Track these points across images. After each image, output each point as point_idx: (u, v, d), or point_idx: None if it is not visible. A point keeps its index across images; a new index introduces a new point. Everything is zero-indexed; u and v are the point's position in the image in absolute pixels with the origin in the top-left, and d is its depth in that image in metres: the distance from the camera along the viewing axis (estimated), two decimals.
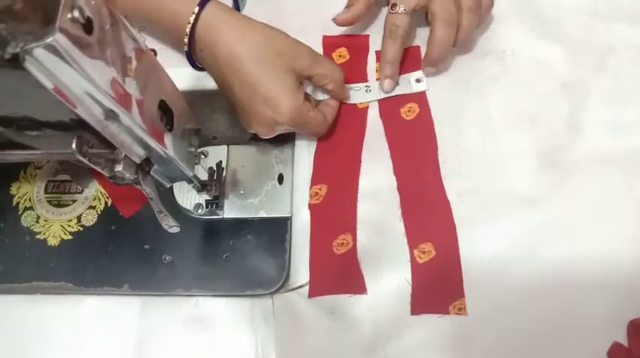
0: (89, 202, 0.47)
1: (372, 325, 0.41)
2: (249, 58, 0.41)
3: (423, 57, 0.49)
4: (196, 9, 0.41)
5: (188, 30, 0.41)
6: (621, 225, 0.43)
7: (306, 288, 0.43)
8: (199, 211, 0.46)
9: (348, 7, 0.48)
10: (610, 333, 0.40)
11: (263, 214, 0.46)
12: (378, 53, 0.51)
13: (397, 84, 0.48)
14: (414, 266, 0.43)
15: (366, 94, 0.49)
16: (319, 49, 0.51)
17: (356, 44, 0.45)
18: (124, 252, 0.46)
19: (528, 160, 0.46)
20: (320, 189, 0.46)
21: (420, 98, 0.48)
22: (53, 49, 0.24)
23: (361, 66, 0.50)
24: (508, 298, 0.41)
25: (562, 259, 0.42)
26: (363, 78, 0.50)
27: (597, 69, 0.48)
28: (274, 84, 0.41)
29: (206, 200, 0.46)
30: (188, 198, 0.46)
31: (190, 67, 0.45)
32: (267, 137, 0.45)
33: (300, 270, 0.44)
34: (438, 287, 0.42)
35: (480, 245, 0.43)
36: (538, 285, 0.41)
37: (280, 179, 0.47)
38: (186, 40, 0.42)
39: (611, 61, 0.49)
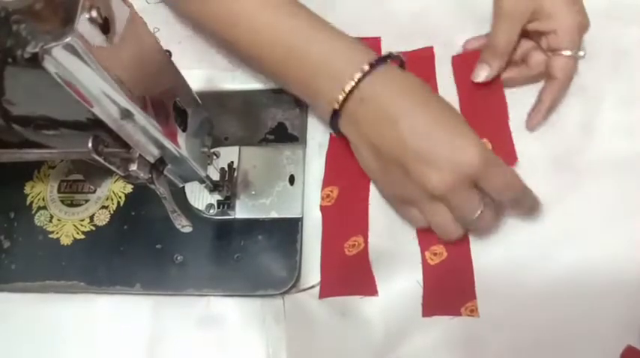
0: (102, 202, 0.48)
1: (383, 326, 0.41)
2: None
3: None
4: (366, 67, 0.38)
5: (350, 86, 0.38)
6: (635, 228, 0.43)
7: (317, 289, 0.43)
8: (211, 211, 0.46)
9: (485, 62, 0.45)
10: (623, 337, 0.39)
11: (274, 215, 0.46)
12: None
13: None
14: (426, 268, 0.43)
15: None
16: None
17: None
18: (136, 251, 0.46)
19: (541, 163, 0.45)
20: (331, 191, 0.46)
21: None
22: (71, 49, 0.24)
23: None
24: (520, 300, 0.41)
25: (574, 262, 0.42)
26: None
27: (612, 72, 0.48)
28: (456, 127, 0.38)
29: (218, 200, 0.46)
30: (200, 198, 0.46)
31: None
32: (448, 190, 0.37)
33: (311, 271, 0.44)
34: (449, 288, 0.42)
35: (491, 247, 0.43)
36: (550, 288, 0.41)
37: (291, 180, 0.47)
38: (341, 98, 0.39)
39: (625, 64, 0.48)
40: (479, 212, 0.38)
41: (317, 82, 0.40)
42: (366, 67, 0.38)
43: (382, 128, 0.38)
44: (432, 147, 0.37)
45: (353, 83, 0.38)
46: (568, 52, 0.44)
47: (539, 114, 0.46)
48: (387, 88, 0.39)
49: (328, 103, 0.40)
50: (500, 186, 0.38)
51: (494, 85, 0.47)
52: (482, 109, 0.47)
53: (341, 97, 0.39)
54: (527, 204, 0.41)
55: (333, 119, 0.41)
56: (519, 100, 0.47)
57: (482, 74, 0.46)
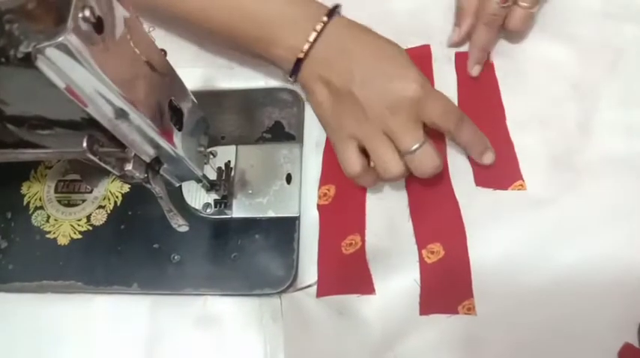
0: (99, 202, 0.48)
1: (380, 325, 0.41)
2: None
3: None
4: (325, 18, 0.43)
5: (314, 36, 0.43)
6: (633, 226, 0.42)
7: (315, 288, 0.43)
8: (208, 211, 0.46)
9: (457, 25, 0.49)
10: (621, 334, 0.39)
11: (271, 214, 0.46)
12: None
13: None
14: (423, 266, 0.43)
15: None
16: None
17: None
18: (133, 251, 0.46)
19: (539, 161, 0.45)
20: (329, 190, 0.46)
21: None
22: (65, 48, 0.24)
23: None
24: (518, 298, 0.41)
25: (572, 260, 0.42)
26: None
27: (608, 70, 0.48)
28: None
29: (215, 199, 0.46)
30: (197, 197, 0.46)
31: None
32: (390, 114, 0.41)
33: (309, 270, 0.44)
34: (446, 287, 0.42)
35: (489, 245, 0.43)
36: (548, 286, 0.41)
37: (288, 178, 0.47)
38: (306, 47, 0.43)
39: (622, 63, 0.48)
40: (418, 144, 0.41)
41: (279, 36, 0.44)
42: (325, 19, 0.44)
43: (336, 64, 0.43)
44: (376, 76, 0.42)
45: (315, 34, 0.43)
46: None
47: (472, 58, 0.49)
48: (343, 33, 0.44)
49: (292, 53, 0.44)
50: (441, 111, 0.42)
51: (493, 84, 0.47)
52: (481, 107, 0.47)
53: (306, 47, 0.43)
54: (469, 131, 0.44)
55: (295, 67, 0.45)
56: (518, 100, 0.47)
57: (453, 36, 0.49)
